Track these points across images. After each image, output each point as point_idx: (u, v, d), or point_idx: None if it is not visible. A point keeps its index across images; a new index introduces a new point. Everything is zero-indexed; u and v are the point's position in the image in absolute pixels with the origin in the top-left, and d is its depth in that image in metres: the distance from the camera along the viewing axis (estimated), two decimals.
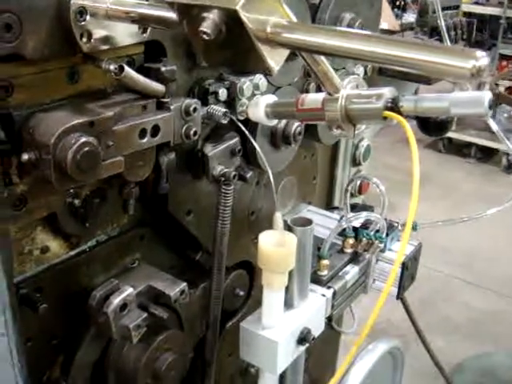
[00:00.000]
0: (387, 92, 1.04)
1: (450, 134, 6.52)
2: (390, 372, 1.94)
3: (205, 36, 0.85)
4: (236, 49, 0.90)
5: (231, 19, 0.85)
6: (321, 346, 2.09)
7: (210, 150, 1.29)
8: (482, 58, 0.76)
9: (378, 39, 0.82)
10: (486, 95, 0.96)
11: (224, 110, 1.24)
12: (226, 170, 1.30)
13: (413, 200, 0.98)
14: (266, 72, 0.93)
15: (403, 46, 0.81)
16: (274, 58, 0.92)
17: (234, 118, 1.28)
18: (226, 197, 1.27)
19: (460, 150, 6.93)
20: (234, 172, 1.31)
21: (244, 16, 0.84)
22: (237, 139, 1.35)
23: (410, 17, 5.07)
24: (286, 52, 0.94)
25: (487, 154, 6.78)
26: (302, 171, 1.78)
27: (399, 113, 1.02)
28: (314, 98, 1.12)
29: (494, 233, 4.87)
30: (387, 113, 1.02)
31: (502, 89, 6.45)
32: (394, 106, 1.02)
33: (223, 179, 1.29)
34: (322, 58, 1.02)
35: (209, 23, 0.84)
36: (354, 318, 2.05)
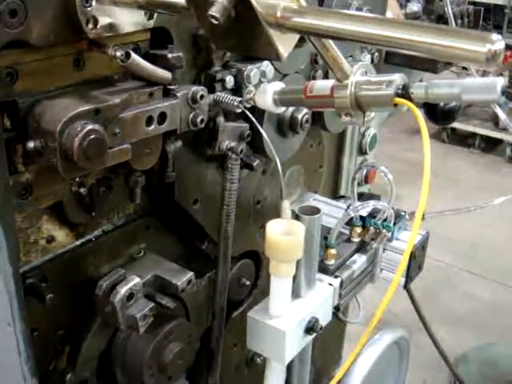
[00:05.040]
0: (398, 78, 1.02)
1: (453, 124, 6.48)
2: (396, 361, 1.94)
3: (213, 20, 0.84)
4: (245, 34, 0.88)
5: (240, 3, 0.83)
6: (326, 336, 2.08)
7: (222, 122, 1.28)
8: (497, 42, 0.74)
9: (391, 23, 0.80)
10: (499, 81, 0.94)
11: (239, 98, 1.22)
12: (233, 145, 1.28)
13: (423, 188, 0.97)
14: (275, 58, 0.92)
15: (416, 29, 0.79)
16: (284, 44, 0.90)
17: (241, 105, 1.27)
18: (232, 173, 1.26)
19: (464, 140, 6.90)
20: (241, 147, 1.29)
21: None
22: (247, 125, 1.34)
23: (415, 6, 5.02)
24: (295, 38, 0.92)
25: (491, 145, 6.75)
26: (308, 160, 1.77)
27: (410, 99, 1.01)
28: (322, 85, 1.11)
29: (499, 223, 4.86)
30: (398, 99, 1.01)
31: (505, 79, 6.42)
32: (404, 92, 1.01)
33: (230, 153, 1.27)
34: (332, 43, 1.01)
35: (218, 7, 0.83)
36: (360, 307, 2.05)
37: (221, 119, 1.28)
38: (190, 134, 1.25)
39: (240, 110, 1.23)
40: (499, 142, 6.62)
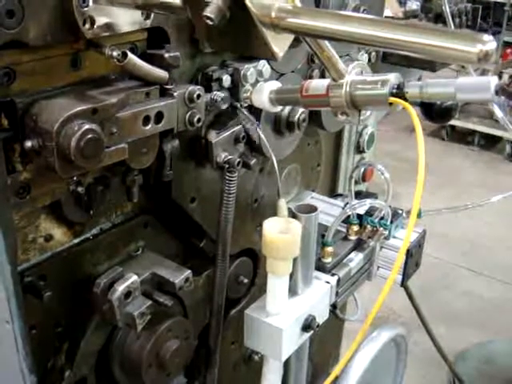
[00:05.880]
0: (392, 78, 1.03)
1: (453, 122, 6.49)
2: (393, 359, 1.95)
3: (209, 21, 0.84)
4: (240, 34, 0.89)
5: (235, 4, 0.84)
6: (324, 333, 2.09)
7: (214, 137, 1.29)
8: (489, 42, 0.75)
9: (384, 23, 0.81)
10: (493, 80, 0.95)
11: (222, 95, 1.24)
12: (230, 157, 1.29)
13: (418, 186, 0.97)
14: (271, 58, 0.93)
15: (409, 30, 0.80)
16: (279, 44, 0.91)
17: (238, 104, 1.28)
18: (230, 184, 1.27)
19: (463, 137, 6.90)
20: (238, 159, 1.30)
21: (248, 0, 0.83)
22: (241, 126, 1.34)
23: (414, 4, 5.03)
24: (290, 37, 0.93)
25: (490, 142, 6.75)
26: (305, 158, 1.77)
27: (404, 99, 1.01)
28: (318, 84, 1.12)
29: (497, 221, 4.86)
30: (392, 99, 1.02)
31: (505, 77, 6.41)
32: (399, 91, 1.01)
33: (227, 166, 1.28)
34: (327, 43, 1.01)
35: (213, 8, 0.84)
36: (358, 305, 2.06)
37: (212, 135, 1.29)
38: (186, 142, 1.26)
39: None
40: (499, 139, 6.62)
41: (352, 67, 1.06)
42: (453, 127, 6.86)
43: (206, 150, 1.29)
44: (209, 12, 0.84)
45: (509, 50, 6.58)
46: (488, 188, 5.35)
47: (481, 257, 4.54)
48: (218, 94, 1.23)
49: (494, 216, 4.69)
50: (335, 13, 0.88)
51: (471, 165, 6.38)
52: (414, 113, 0.98)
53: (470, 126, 6.71)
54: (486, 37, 0.75)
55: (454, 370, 3.01)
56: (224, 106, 1.25)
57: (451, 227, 4.55)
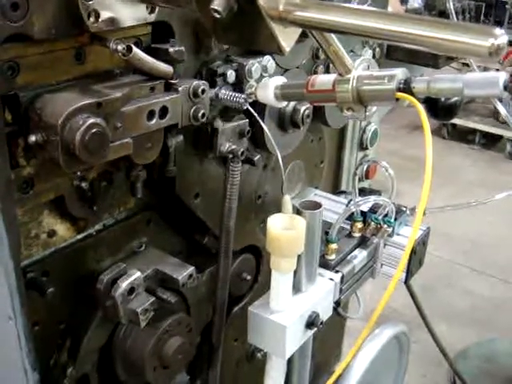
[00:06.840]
0: (399, 73, 1.02)
1: (453, 121, 6.47)
2: (396, 356, 1.94)
3: (216, 14, 0.83)
4: (247, 28, 0.88)
5: None
6: (326, 331, 2.08)
7: (221, 125, 1.28)
8: (501, 36, 0.74)
9: (393, 17, 0.80)
10: (501, 76, 0.94)
11: (244, 95, 1.22)
12: (234, 147, 1.28)
13: (425, 183, 0.97)
14: (278, 52, 0.92)
15: (419, 23, 0.79)
16: (286, 38, 0.90)
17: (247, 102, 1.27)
18: (233, 175, 1.26)
19: (464, 136, 6.90)
20: (242, 149, 1.29)
21: None
22: (246, 120, 1.34)
23: (415, 2, 5.01)
24: (297, 31, 0.92)
25: (491, 141, 6.75)
26: (309, 155, 1.76)
27: (412, 94, 1.01)
28: (324, 79, 1.11)
29: (499, 219, 4.86)
30: (400, 94, 1.01)
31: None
32: (406, 87, 1.01)
33: (231, 156, 1.27)
34: (334, 37, 1.01)
35: (220, 1, 0.83)
36: (360, 303, 2.05)
37: (218, 123, 1.28)
38: (190, 131, 1.25)
39: (246, 107, 1.23)
40: (499, 138, 6.62)
41: (359, 62, 1.05)
42: (454, 126, 6.85)
43: (211, 138, 1.28)
44: (216, 5, 0.83)
45: (510, 49, 6.57)
46: (488, 187, 5.35)
47: (482, 256, 4.53)
48: (242, 96, 1.22)
49: (495, 215, 4.68)
50: (344, 6, 0.87)
51: (472, 163, 6.37)
52: (422, 108, 0.97)
53: (471, 124, 6.70)
54: (498, 30, 0.74)
55: (454, 368, 3.00)
56: (245, 107, 1.24)
57: (452, 226, 4.54)
